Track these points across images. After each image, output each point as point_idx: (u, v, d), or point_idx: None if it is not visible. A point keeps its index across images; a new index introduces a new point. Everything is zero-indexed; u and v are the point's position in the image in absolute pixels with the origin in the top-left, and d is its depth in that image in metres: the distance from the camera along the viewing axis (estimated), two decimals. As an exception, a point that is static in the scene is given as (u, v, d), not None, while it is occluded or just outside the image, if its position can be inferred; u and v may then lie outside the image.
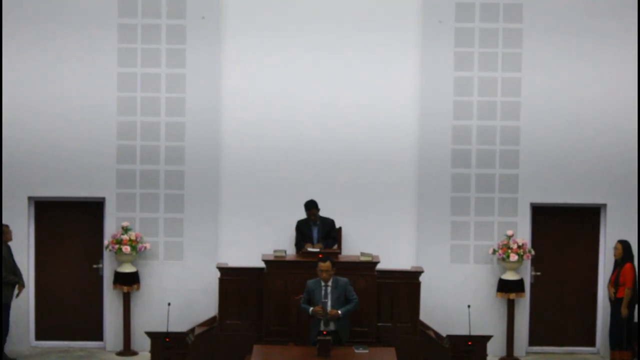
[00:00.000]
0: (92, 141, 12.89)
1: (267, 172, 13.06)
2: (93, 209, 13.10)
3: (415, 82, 12.98)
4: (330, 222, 12.68)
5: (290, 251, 12.62)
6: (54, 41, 12.79)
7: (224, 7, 12.94)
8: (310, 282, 11.26)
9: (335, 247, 12.60)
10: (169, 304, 12.09)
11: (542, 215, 13.15)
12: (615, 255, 12.42)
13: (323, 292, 11.15)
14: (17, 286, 12.28)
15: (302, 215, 12.70)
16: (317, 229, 12.58)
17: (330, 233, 12.65)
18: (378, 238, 12.97)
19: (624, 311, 12.19)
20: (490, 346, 11.87)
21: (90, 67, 12.82)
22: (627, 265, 12.27)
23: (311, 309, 11.06)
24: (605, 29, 12.81)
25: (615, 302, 12.34)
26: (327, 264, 11.13)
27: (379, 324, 12.02)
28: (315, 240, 12.54)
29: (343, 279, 11.25)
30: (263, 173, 13.07)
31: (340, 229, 12.96)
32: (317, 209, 12.57)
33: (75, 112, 12.88)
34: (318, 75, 13.01)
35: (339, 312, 11.04)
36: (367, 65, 12.99)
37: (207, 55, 12.86)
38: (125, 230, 12.83)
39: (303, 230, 12.61)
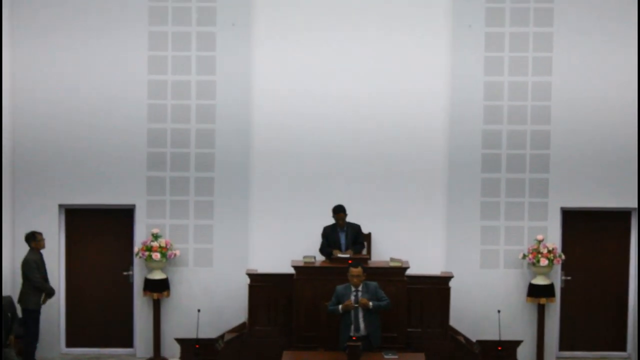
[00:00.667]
0: (123, 148, 12.95)
1: (297, 179, 13.06)
2: (123, 216, 13.15)
3: (446, 86, 12.96)
4: (357, 227, 12.67)
5: (319, 256, 12.61)
6: (84, 48, 12.85)
7: (254, 13, 12.96)
8: (339, 287, 11.26)
9: (364, 252, 12.58)
10: (198, 311, 12.12)
11: (573, 219, 13.10)
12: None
13: (353, 297, 11.15)
14: (44, 294, 12.35)
15: (332, 221, 12.69)
16: (345, 235, 12.55)
17: (358, 238, 12.64)
18: (407, 243, 12.95)
19: None
20: (521, 351, 11.83)
21: (121, 75, 12.87)
22: None
23: (341, 305, 11.06)
24: (637, 31, 12.76)
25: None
26: (359, 269, 11.14)
27: (409, 330, 12.00)
28: (343, 247, 12.53)
29: (372, 283, 11.26)
30: (293, 179, 13.07)
31: (369, 234, 12.95)
32: (345, 214, 12.55)
33: (106, 120, 12.94)
34: (348, 79, 13.00)
35: (370, 303, 11.03)
36: (397, 70, 12.98)
37: (237, 61, 12.89)
38: (155, 237, 12.87)
39: (330, 236, 12.58)
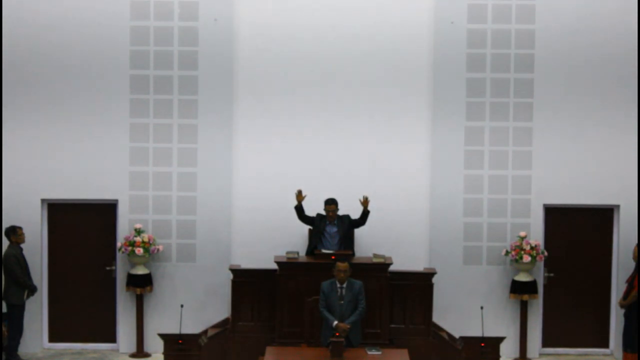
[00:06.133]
0: (105, 143, 12.92)
1: (279, 174, 13.04)
2: (106, 211, 13.12)
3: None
4: (347, 218, 12.58)
5: (303, 252, 12.60)
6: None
7: None
8: (324, 284, 11.23)
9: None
10: (181, 306, 12.11)
11: (555, 216, 13.12)
12: (633, 257, 12.37)
13: (338, 293, 11.14)
14: (26, 290, 12.34)
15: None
16: (337, 229, 12.45)
17: (349, 230, 12.57)
18: (390, 239, 12.96)
19: (621, 303, 12.21)
20: (503, 347, 11.87)
21: (102, 67, 12.88)
22: None
23: (335, 323, 11.03)
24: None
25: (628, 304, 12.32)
26: (345, 264, 11.12)
27: (392, 326, 12.02)
28: (331, 240, 12.41)
29: (358, 282, 11.23)
30: (276, 175, 13.04)
31: (352, 231, 12.93)
32: (336, 207, 12.46)
33: (88, 114, 12.91)
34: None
35: (348, 325, 11.04)
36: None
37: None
38: (138, 232, 12.85)
39: (316, 226, 12.45)
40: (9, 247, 12.30)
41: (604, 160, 12.92)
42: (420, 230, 13.08)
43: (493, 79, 12.88)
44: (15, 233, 12.33)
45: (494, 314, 12.92)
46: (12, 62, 12.78)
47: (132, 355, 12.99)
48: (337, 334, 10.79)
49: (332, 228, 12.49)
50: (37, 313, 13.00)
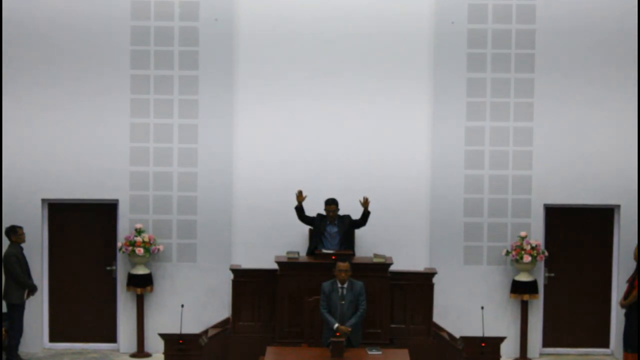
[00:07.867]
0: (106, 143, 12.92)
1: (279, 174, 13.04)
2: (106, 211, 13.12)
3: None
4: (348, 218, 12.59)
5: (304, 252, 12.60)
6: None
7: None
8: (325, 284, 11.23)
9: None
10: (182, 306, 12.09)
11: (556, 216, 13.12)
12: (633, 257, 12.36)
13: (339, 293, 11.14)
14: (26, 290, 12.34)
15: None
16: (337, 229, 12.47)
17: (350, 230, 12.57)
18: (391, 239, 12.96)
19: (622, 303, 12.21)
20: (504, 347, 11.83)
21: (103, 67, 12.87)
22: None
23: (336, 325, 11.02)
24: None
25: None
26: (346, 264, 11.12)
27: (392, 326, 12.02)
28: (331, 240, 12.42)
29: (358, 283, 11.23)
30: (277, 175, 13.05)
31: (353, 231, 12.93)
32: (337, 207, 12.48)
33: (89, 114, 12.91)
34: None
35: (349, 328, 11.04)
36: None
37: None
38: (139, 232, 12.85)
39: (317, 226, 12.46)
40: (9, 246, 12.31)
41: (604, 160, 12.92)
42: (421, 230, 13.08)
43: (493, 79, 12.89)
44: (15, 233, 12.33)
45: (494, 314, 12.92)
46: (11, 61, 12.79)
47: (133, 355, 12.99)
48: (337, 334, 10.79)
49: (332, 228, 12.49)
50: (37, 313, 13.00)
